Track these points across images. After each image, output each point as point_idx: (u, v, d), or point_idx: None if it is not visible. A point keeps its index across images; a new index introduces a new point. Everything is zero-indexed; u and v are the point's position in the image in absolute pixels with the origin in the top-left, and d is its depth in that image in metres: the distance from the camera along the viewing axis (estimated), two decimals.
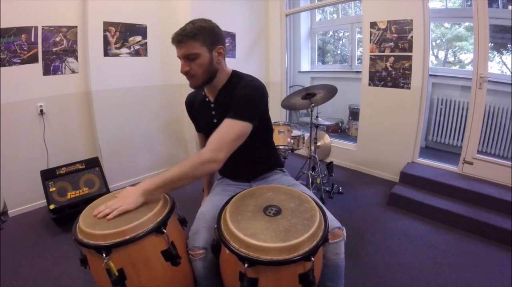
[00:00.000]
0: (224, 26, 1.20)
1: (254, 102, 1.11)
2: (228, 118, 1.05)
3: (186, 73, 1.11)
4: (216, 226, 0.97)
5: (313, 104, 2.29)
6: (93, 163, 2.37)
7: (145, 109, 2.94)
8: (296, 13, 4.16)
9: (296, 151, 2.74)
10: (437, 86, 3.33)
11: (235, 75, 1.22)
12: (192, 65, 1.09)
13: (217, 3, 3.03)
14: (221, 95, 1.21)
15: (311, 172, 2.44)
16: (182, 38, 1.05)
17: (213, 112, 1.24)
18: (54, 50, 2.35)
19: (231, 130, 1.03)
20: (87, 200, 2.15)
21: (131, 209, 0.97)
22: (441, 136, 3.32)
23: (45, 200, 2.13)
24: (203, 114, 1.28)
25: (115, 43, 2.59)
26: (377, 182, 2.91)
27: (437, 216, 2.17)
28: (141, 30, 2.74)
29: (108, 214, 0.94)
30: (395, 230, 2.08)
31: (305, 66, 4.73)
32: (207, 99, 1.26)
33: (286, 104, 2.42)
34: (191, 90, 1.33)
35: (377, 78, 2.82)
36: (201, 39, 1.06)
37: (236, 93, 1.11)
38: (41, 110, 2.36)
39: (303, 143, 2.59)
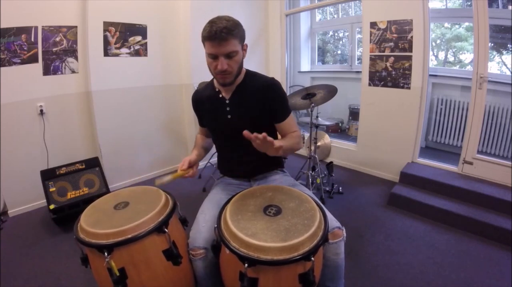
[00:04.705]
0: None
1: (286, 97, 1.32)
2: (286, 118, 1.26)
3: (223, 71, 1.09)
4: (216, 226, 0.97)
5: (313, 104, 2.29)
6: (93, 163, 2.38)
7: (145, 109, 2.93)
8: (296, 13, 4.16)
9: (296, 151, 2.74)
10: (437, 86, 3.33)
11: (249, 73, 1.25)
12: (231, 62, 1.09)
13: (217, 3, 3.03)
14: (237, 92, 1.23)
15: (311, 172, 2.44)
16: (226, 35, 1.02)
17: (228, 108, 1.25)
18: (54, 50, 2.35)
19: (294, 123, 1.31)
20: (87, 200, 2.15)
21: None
22: (441, 136, 3.32)
23: (45, 200, 2.13)
24: (216, 110, 1.28)
25: (115, 43, 2.59)
26: (377, 182, 2.91)
27: (437, 216, 2.17)
28: (141, 30, 2.74)
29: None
30: (395, 230, 2.08)
31: (305, 66, 4.73)
32: (220, 96, 1.26)
33: None
34: (191, 90, 1.34)
35: (377, 78, 2.82)
36: (238, 36, 1.08)
37: (273, 98, 1.21)
38: (41, 110, 2.36)
39: (303, 143, 2.59)
